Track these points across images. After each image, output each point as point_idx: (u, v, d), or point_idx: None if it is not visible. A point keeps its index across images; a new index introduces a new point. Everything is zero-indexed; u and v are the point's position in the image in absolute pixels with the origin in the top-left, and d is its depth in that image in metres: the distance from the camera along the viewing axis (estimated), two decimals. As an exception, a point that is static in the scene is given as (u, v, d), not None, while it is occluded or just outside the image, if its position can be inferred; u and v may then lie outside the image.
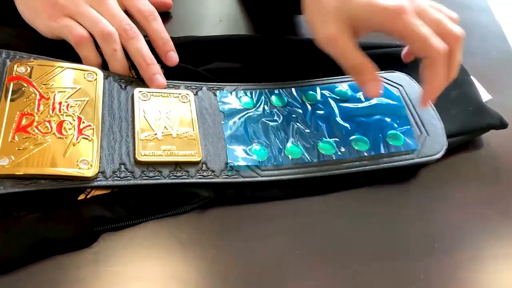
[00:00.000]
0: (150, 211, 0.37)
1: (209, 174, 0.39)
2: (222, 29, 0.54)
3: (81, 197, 0.36)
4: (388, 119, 0.45)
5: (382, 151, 0.43)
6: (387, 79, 0.48)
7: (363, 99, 0.46)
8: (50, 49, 0.43)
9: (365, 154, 0.42)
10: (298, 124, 0.44)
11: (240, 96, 0.45)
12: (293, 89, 0.46)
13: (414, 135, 0.44)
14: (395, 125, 0.45)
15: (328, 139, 0.43)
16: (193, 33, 0.49)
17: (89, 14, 0.42)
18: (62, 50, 0.42)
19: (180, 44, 0.46)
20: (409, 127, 0.44)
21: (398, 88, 0.47)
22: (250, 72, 0.47)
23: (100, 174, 0.36)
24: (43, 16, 0.42)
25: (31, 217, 0.34)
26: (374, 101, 0.46)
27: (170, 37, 0.45)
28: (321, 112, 0.45)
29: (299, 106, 0.45)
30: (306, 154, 0.42)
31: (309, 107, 0.45)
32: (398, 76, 0.48)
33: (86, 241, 0.35)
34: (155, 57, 0.43)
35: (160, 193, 0.37)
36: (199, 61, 0.46)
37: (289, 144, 0.42)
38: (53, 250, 0.34)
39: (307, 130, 0.43)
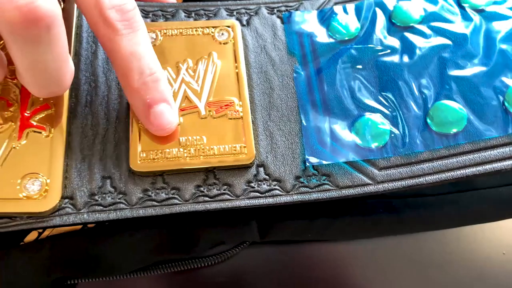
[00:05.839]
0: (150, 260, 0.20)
1: (272, 187, 0.19)
2: None
3: (30, 237, 0.20)
4: None
5: None
6: None
7: None
8: None
9: None
10: (455, 56, 0.21)
11: (333, 16, 0.23)
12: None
13: None
14: None
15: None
16: None
17: None
18: None
19: None
20: None
21: None
22: None
23: (66, 201, 0.19)
24: None
25: None
26: None
27: None
28: (507, 26, 0.21)
29: (452, 19, 0.22)
30: (477, 121, 0.19)
31: (475, 17, 0.22)
32: None
33: None
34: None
35: (175, 230, 0.20)
36: None
37: (438, 103, 0.20)
38: None
39: (476, 69, 0.20)
